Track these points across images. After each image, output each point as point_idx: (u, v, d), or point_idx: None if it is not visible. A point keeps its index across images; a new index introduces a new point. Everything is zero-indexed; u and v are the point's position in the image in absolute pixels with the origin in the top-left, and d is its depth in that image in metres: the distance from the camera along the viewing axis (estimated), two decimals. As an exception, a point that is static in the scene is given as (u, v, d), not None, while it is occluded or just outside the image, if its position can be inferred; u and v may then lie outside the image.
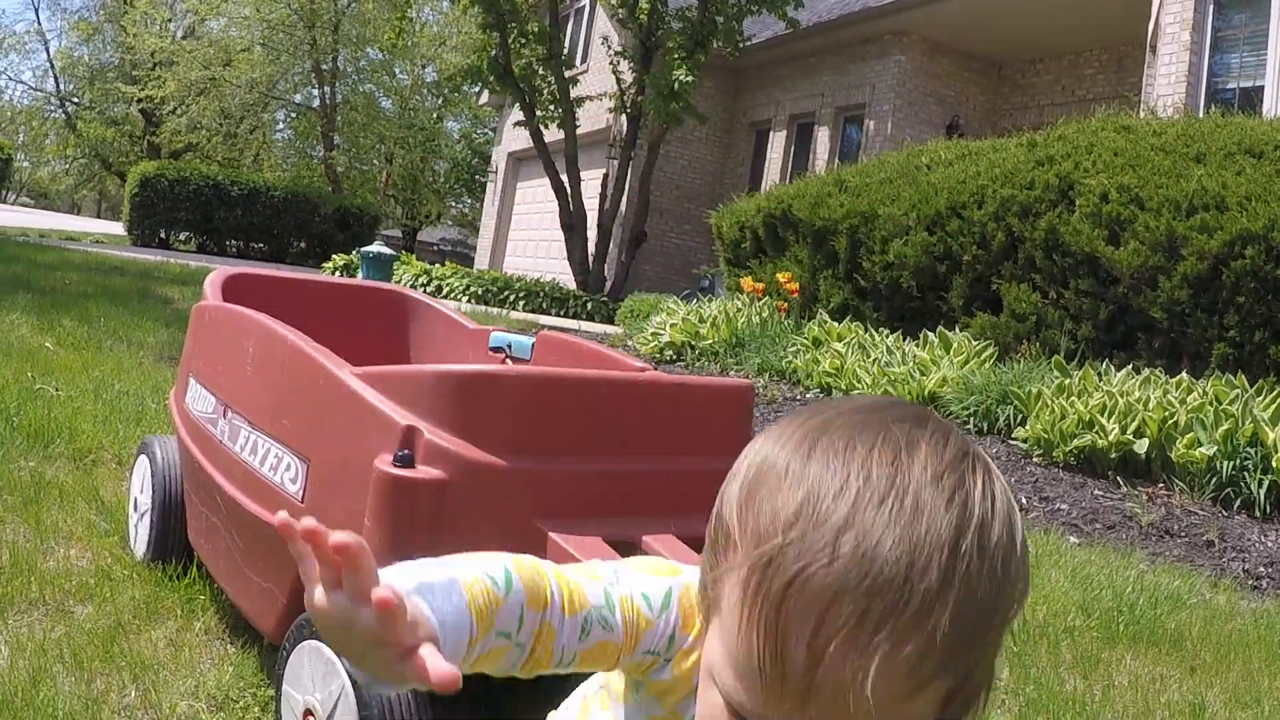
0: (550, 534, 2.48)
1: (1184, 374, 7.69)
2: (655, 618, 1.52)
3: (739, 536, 1.23)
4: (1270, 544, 6.09)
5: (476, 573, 1.44)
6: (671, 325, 11.84)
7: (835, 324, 10.42)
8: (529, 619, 1.46)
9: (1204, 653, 4.33)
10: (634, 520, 2.60)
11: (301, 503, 2.74)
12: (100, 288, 11.58)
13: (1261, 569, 5.73)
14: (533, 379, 2.62)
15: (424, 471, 2.46)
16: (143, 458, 3.93)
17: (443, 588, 1.37)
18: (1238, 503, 6.59)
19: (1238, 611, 4.95)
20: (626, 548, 2.50)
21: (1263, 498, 6.50)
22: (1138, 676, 4.03)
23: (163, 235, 27.26)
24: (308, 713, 2.61)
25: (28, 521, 4.16)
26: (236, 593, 3.19)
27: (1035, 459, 7.36)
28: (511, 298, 18.70)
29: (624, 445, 2.67)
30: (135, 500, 3.98)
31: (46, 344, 7.56)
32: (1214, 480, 6.67)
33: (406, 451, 2.47)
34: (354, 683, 2.47)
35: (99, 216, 69.19)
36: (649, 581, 1.57)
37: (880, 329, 10.26)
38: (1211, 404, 7.00)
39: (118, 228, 31.84)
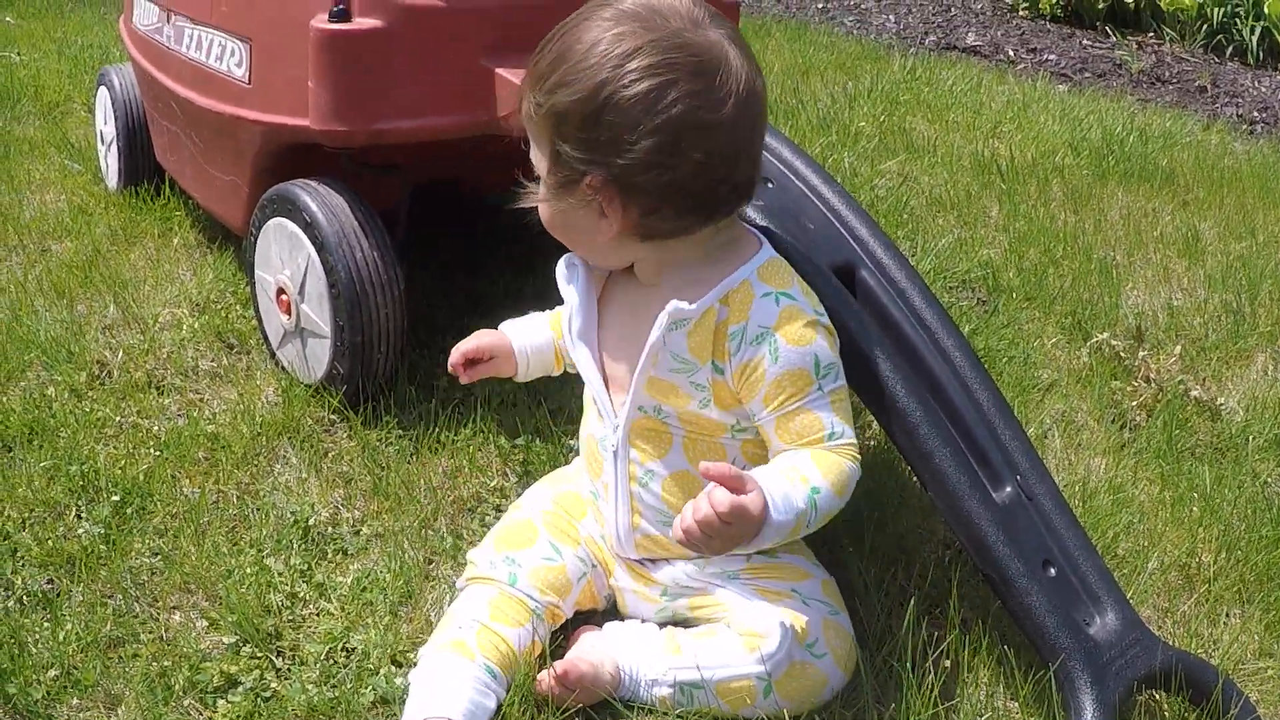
0: (498, 70, 2.40)
1: (1173, -80, 7.47)
2: None
3: None
4: (1264, 89, 6.01)
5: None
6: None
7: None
8: None
9: (1197, 188, 4.29)
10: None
11: (249, 84, 2.65)
12: (57, -42, 11.24)
13: (1255, 114, 5.66)
14: (466, -86, 2.50)
15: (360, 23, 2.37)
16: (102, 89, 3.84)
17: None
18: (1230, 50, 6.48)
19: (1230, 151, 4.89)
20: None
21: (1255, 44, 6.38)
22: (1130, 210, 4.00)
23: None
24: (280, 291, 2.58)
25: (1, 178, 4.08)
26: (204, 196, 3.14)
27: (1021, 12, 7.19)
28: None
29: (569, -25, 2.55)
30: (101, 133, 3.91)
31: (7, 19, 7.34)
32: (1204, 28, 6.55)
33: (341, 6, 2.37)
34: (318, 249, 2.43)
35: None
36: None
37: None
38: (1200, -51, 6.82)
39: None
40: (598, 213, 1.70)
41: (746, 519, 1.58)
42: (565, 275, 1.90)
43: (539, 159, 1.75)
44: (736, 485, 1.58)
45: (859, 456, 1.78)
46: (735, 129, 1.67)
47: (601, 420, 1.88)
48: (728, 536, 1.59)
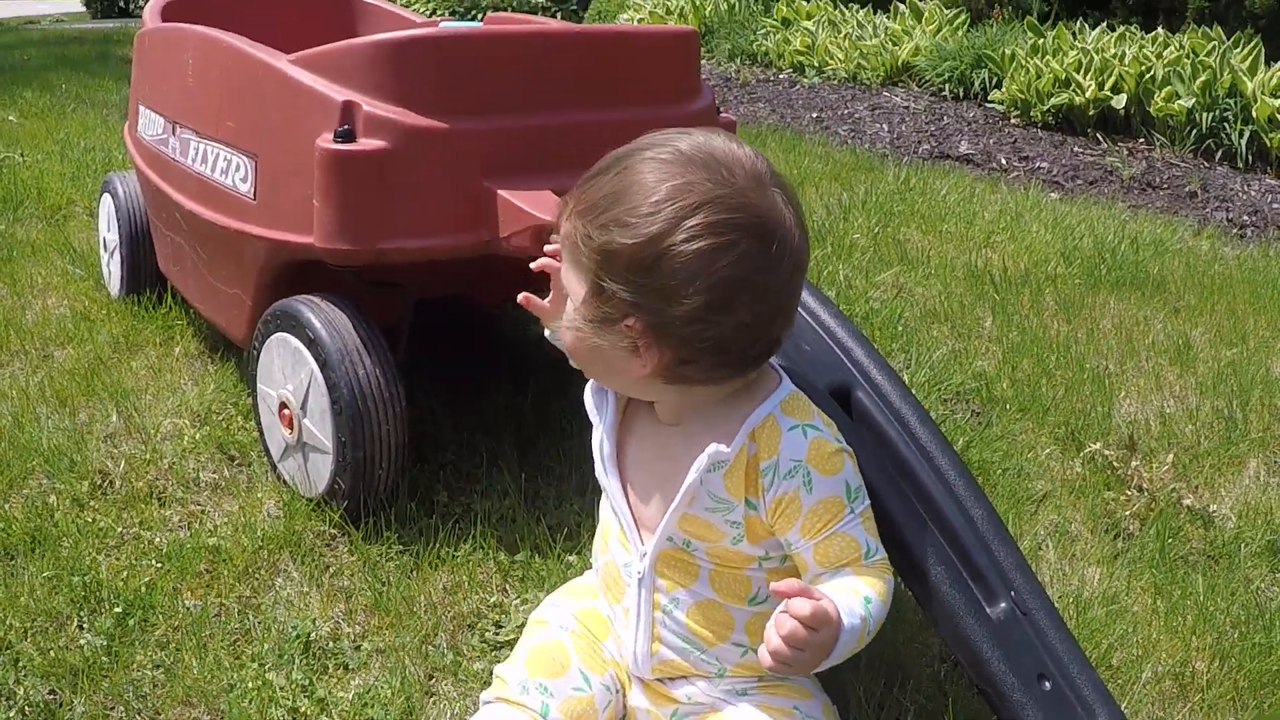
0: (499, 191, 2.44)
1: (1160, 29, 7.56)
2: None
3: None
4: (1253, 193, 6.05)
5: None
6: (639, 19, 11.65)
7: (804, 3, 10.22)
8: None
9: (1188, 295, 4.32)
10: (583, 172, 2.54)
11: (254, 200, 2.69)
12: (60, 59, 11.36)
13: (1245, 217, 5.69)
14: (466, 37, 2.55)
15: (365, 144, 2.41)
16: (105, 196, 3.89)
17: None
18: (1219, 154, 6.54)
19: (1221, 257, 4.93)
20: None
21: (1244, 148, 6.44)
22: (1122, 319, 4.03)
23: (122, 4, 26.66)
24: (283, 406, 2.61)
25: (3, 281, 4.15)
26: (208, 308, 3.17)
27: (1013, 120, 7.26)
28: (479, 16, 18.32)
29: (568, 98, 2.61)
30: (104, 240, 3.95)
31: (9, 118, 7.43)
32: (1194, 132, 6.60)
33: (346, 127, 2.41)
34: (321, 365, 2.47)
35: (56, -5, 67.67)
36: None
37: (849, 4, 10.06)
38: (1188, 57, 6.88)
39: (76, 4, 31.14)
40: (631, 352, 1.67)
41: (828, 622, 1.58)
42: (595, 402, 1.89)
43: (574, 284, 1.70)
44: (809, 594, 1.58)
45: (891, 568, 1.79)
46: (783, 292, 1.66)
47: (627, 548, 1.88)
48: (815, 645, 1.58)
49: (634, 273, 1.60)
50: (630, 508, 1.86)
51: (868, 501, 1.79)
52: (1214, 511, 2.79)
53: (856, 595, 1.70)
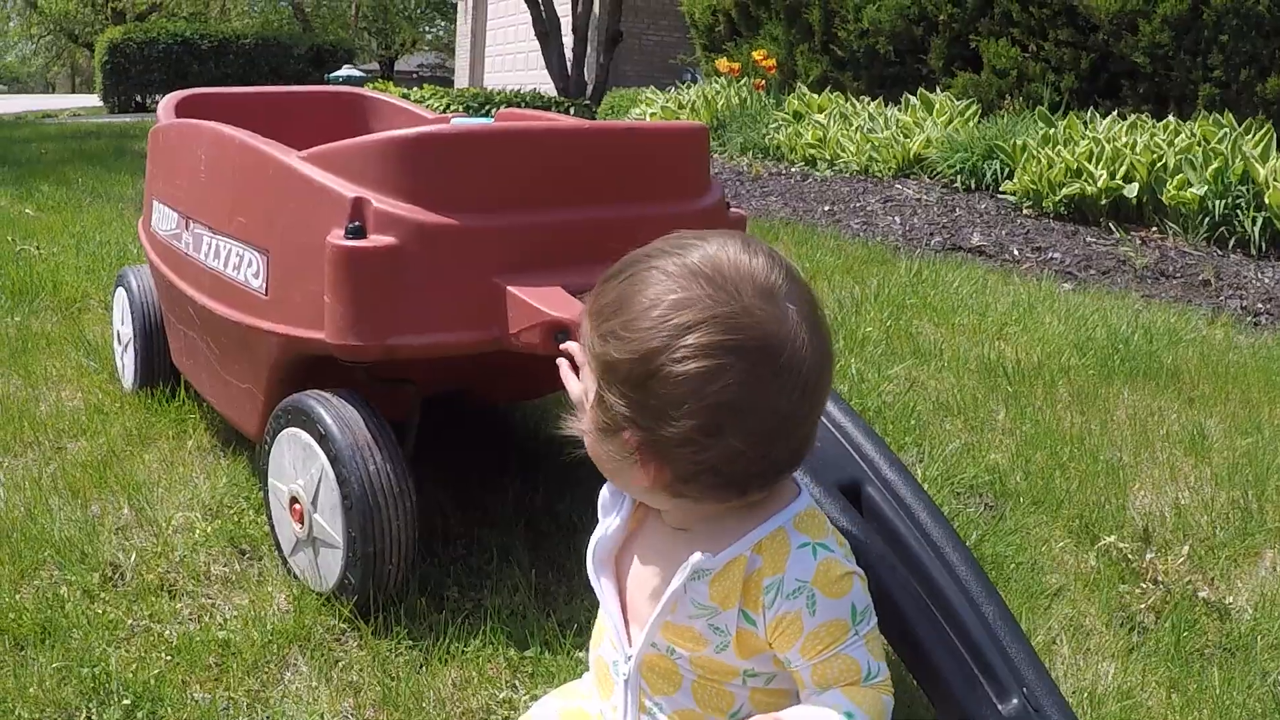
0: (509, 288, 2.45)
1: (1171, 117, 7.60)
2: None
3: None
4: (1267, 280, 6.06)
5: None
6: (651, 115, 11.74)
7: (815, 96, 10.30)
8: None
9: (1203, 384, 4.32)
10: (593, 268, 2.54)
11: (265, 295, 2.71)
12: (76, 153, 11.50)
13: (1260, 305, 5.70)
14: (478, 135, 2.56)
15: (376, 240, 2.43)
16: (120, 289, 3.91)
17: None
18: (1232, 241, 6.56)
19: (1235, 345, 4.93)
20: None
21: (1257, 235, 6.47)
22: (1136, 410, 4.02)
23: (139, 99, 27.05)
24: (294, 501, 2.61)
25: (18, 372, 4.16)
26: (220, 401, 3.19)
27: (1025, 210, 7.30)
28: (492, 111, 18.46)
29: (578, 195, 2.62)
30: (118, 333, 3.97)
31: (26, 210, 7.51)
32: (1207, 220, 6.64)
33: (357, 223, 2.43)
34: (332, 461, 2.47)
35: (73, 91, 67.98)
36: None
37: (861, 98, 10.15)
38: (1200, 144, 6.92)
39: (94, 99, 31.51)
40: (634, 464, 1.64)
41: None
42: (610, 502, 1.85)
43: (590, 383, 1.68)
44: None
45: (893, 690, 1.75)
46: (788, 416, 1.61)
47: (615, 647, 1.85)
48: None
49: (629, 388, 1.58)
50: (624, 607, 1.83)
51: (874, 622, 1.75)
52: (1230, 604, 2.77)
53: (837, 712, 1.67)
